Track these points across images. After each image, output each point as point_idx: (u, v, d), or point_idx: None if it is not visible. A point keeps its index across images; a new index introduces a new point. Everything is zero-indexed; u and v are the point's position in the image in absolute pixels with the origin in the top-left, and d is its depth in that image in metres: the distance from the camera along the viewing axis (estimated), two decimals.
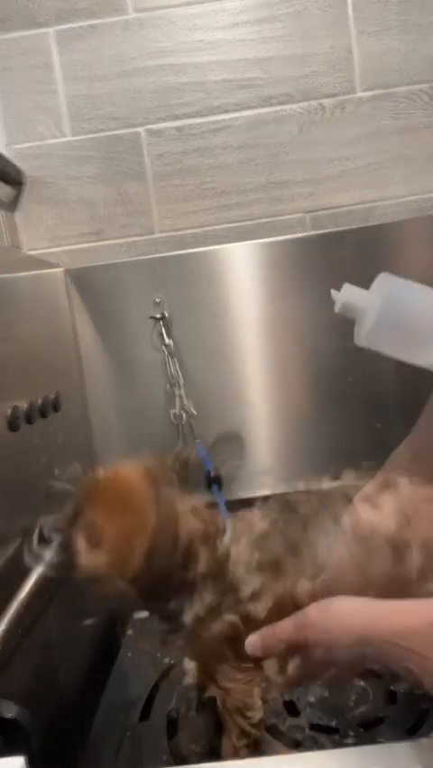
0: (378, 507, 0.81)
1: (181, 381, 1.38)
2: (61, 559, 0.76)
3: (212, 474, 1.19)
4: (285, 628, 0.74)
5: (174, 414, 1.36)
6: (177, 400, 1.37)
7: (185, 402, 1.35)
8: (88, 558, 0.74)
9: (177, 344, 1.42)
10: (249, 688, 0.84)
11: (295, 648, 0.74)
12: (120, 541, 0.73)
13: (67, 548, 0.76)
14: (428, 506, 0.82)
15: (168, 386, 1.39)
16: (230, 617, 0.79)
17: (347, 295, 0.89)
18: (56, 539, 0.78)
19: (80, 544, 0.75)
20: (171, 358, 1.39)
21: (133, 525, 0.72)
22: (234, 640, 0.80)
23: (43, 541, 0.76)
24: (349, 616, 0.68)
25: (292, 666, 0.76)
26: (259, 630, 0.77)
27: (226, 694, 0.84)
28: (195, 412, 1.36)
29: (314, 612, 0.71)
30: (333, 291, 0.90)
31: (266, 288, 1.42)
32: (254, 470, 1.42)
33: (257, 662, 0.83)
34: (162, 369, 1.41)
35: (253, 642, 0.77)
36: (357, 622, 0.67)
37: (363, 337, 0.90)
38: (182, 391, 1.37)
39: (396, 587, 0.76)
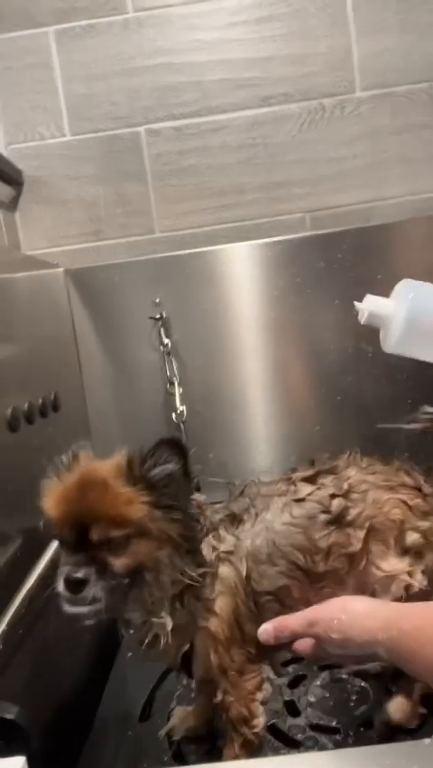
0: (317, 485, 0.89)
1: (177, 381, 1.38)
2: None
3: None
4: (298, 622, 0.77)
5: (175, 414, 1.36)
6: (176, 399, 1.37)
7: (177, 403, 1.36)
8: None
9: (176, 344, 1.42)
10: (252, 696, 0.85)
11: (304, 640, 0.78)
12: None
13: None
14: (374, 488, 0.89)
15: (167, 385, 1.39)
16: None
17: (372, 305, 0.91)
18: None
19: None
20: (169, 357, 1.39)
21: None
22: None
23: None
24: (365, 617, 0.71)
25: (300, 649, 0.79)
26: (272, 619, 0.80)
27: (230, 704, 0.84)
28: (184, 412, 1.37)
29: (328, 610, 0.75)
30: (356, 303, 0.92)
31: (266, 287, 1.42)
32: (254, 469, 1.41)
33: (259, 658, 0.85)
34: (162, 369, 1.41)
35: (265, 630, 0.80)
36: (372, 624, 0.70)
37: (393, 345, 0.91)
38: (179, 390, 1.37)
39: (337, 557, 0.85)
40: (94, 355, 1.45)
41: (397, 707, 0.94)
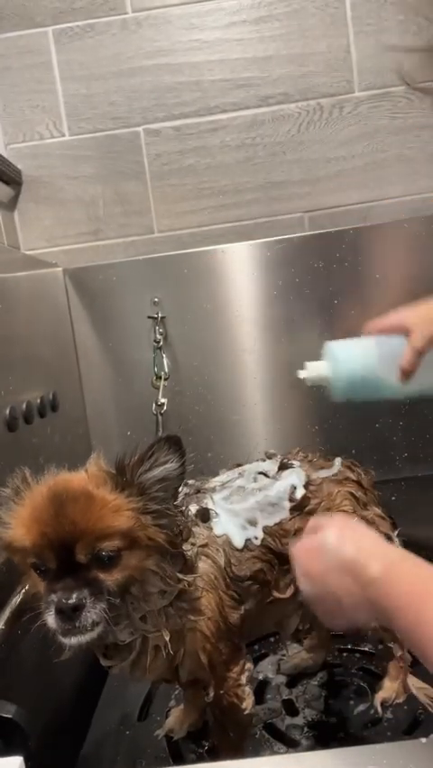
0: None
1: (164, 375, 1.39)
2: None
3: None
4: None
5: (155, 405, 1.37)
6: (159, 392, 1.38)
7: (159, 396, 1.37)
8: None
9: (175, 343, 1.42)
10: (238, 682, 0.85)
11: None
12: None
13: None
14: (327, 481, 0.97)
15: (153, 378, 1.39)
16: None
17: (312, 371, 1.08)
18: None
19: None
20: (159, 351, 1.40)
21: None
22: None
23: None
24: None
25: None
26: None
27: (219, 697, 0.84)
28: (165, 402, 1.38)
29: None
30: (299, 372, 1.10)
31: (264, 287, 1.42)
32: None
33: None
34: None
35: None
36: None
37: (337, 397, 1.07)
38: (163, 384, 1.39)
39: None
40: (92, 354, 1.45)
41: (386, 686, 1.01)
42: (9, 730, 0.67)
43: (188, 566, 0.76)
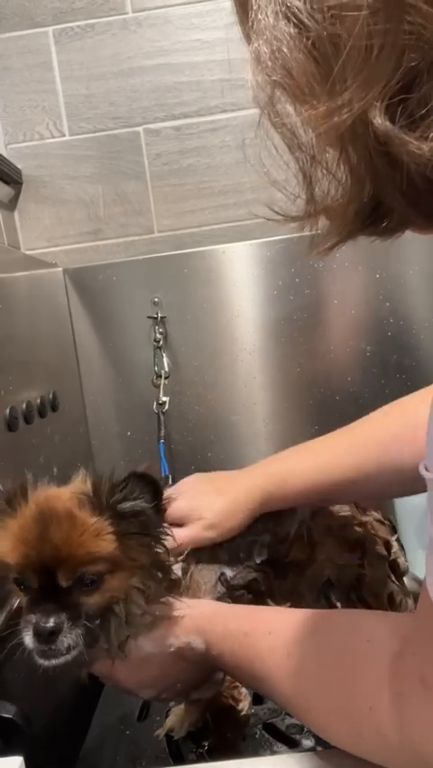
0: None
1: (164, 374, 1.39)
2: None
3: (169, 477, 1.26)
4: None
5: (156, 404, 1.37)
6: (160, 391, 1.38)
7: (161, 394, 1.37)
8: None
9: (175, 343, 1.42)
10: (234, 683, 0.85)
11: None
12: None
13: None
14: None
15: (154, 378, 1.39)
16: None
17: None
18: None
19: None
20: (159, 351, 1.40)
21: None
22: None
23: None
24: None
25: None
26: None
27: (216, 698, 0.84)
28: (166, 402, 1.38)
29: None
30: None
31: (265, 287, 1.42)
32: None
33: None
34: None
35: None
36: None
37: None
38: (164, 383, 1.39)
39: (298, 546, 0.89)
40: (92, 355, 1.45)
41: None
42: (9, 730, 0.67)
43: (176, 585, 0.75)
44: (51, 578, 0.65)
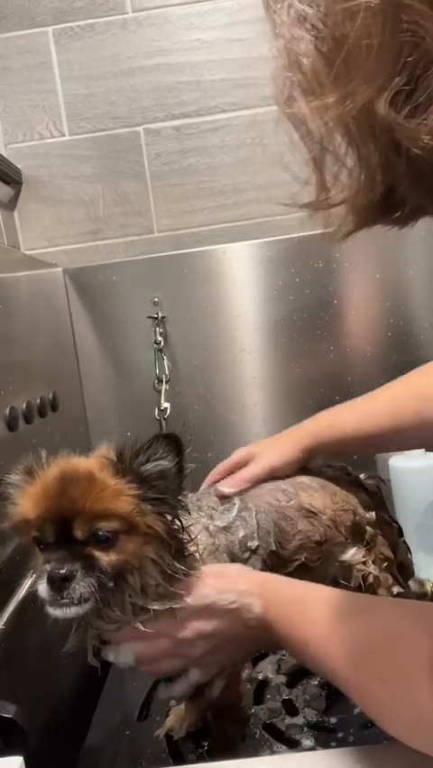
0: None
1: (165, 378, 1.39)
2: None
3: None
4: None
5: (158, 410, 1.37)
6: (162, 396, 1.38)
7: (162, 400, 1.37)
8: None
9: (175, 343, 1.42)
10: (238, 679, 0.85)
11: None
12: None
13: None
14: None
15: (155, 382, 1.39)
16: None
17: None
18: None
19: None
20: (160, 354, 1.40)
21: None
22: None
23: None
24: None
25: None
26: None
27: (220, 692, 0.84)
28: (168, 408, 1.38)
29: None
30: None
31: (264, 287, 1.42)
32: None
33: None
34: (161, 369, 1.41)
35: None
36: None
37: None
38: (165, 387, 1.39)
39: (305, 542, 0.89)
40: (92, 355, 1.45)
41: None
42: (9, 730, 0.67)
43: (189, 562, 0.75)
44: (68, 530, 0.67)
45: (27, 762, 0.54)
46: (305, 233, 1.44)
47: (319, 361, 1.43)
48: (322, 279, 1.40)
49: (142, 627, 0.72)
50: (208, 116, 1.45)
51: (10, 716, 0.68)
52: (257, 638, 0.74)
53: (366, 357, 1.41)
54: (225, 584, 0.74)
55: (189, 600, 0.72)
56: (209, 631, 0.73)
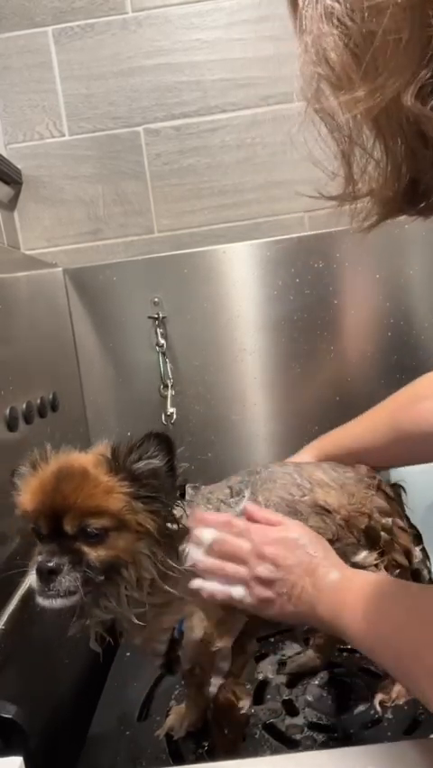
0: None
1: (170, 383, 1.39)
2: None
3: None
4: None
5: (165, 415, 1.37)
6: (168, 401, 1.38)
7: (168, 405, 1.37)
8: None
9: (175, 343, 1.42)
10: (237, 680, 0.85)
11: None
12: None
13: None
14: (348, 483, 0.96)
15: (161, 387, 1.39)
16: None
17: None
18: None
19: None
20: (164, 357, 1.39)
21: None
22: None
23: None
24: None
25: None
26: None
27: (218, 691, 0.84)
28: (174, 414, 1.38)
29: None
30: None
31: (265, 287, 1.42)
32: None
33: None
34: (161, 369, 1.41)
35: None
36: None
37: None
38: (171, 392, 1.38)
39: None
40: (93, 355, 1.45)
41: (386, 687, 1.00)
42: (9, 730, 0.67)
43: (183, 560, 0.77)
44: (59, 524, 0.69)
45: (27, 762, 0.54)
46: (305, 233, 1.44)
47: (319, 361, 1.43)
48: (322, 279, 1.40)
49: (136, 621, 0.74)
50: (208, 116, 1.45)
51: (10, 716, 0.68)
52: (309, 606, 0.73)
53: (366, 357, 1.41)
54: (318, 540, 0.77)
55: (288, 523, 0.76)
56: (283, 562, 0.75)
